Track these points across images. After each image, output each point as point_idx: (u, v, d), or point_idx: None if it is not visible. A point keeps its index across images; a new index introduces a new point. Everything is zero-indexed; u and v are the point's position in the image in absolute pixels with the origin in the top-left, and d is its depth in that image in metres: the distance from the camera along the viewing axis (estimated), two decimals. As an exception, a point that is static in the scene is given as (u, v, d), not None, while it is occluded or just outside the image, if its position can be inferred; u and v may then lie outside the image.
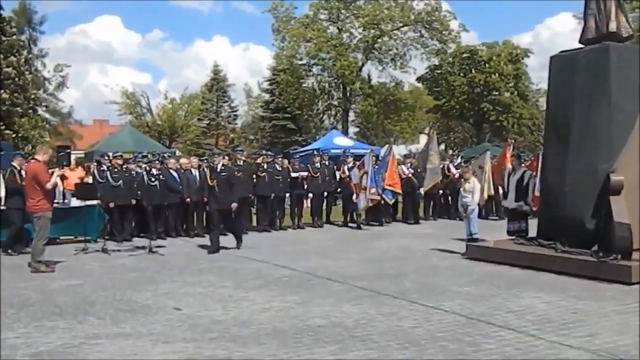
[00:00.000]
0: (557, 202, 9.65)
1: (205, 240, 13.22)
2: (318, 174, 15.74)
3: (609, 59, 9.17)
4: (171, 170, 13.76)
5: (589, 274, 8.26)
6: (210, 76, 48.39)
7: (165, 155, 15.50)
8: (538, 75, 54.68)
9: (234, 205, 11.64)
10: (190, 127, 47.32)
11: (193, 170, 14.12)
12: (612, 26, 9.47)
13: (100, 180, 12.95)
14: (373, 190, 14.84)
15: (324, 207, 16.51)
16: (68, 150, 11.23)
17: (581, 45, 9.92)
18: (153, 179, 13.20)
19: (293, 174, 15.40)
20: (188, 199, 13.66)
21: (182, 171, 13.98)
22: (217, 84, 47.82)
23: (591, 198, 8.95)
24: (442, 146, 44.55)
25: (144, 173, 13.34)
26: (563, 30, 68.79)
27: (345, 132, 35.20)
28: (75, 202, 12.70)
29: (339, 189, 16.65)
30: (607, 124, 9.06)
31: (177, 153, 36.18)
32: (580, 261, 8.57)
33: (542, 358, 5.10)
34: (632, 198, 8.49)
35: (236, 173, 12.63)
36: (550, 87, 10.49)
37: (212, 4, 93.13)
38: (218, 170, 11.76)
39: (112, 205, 12.83)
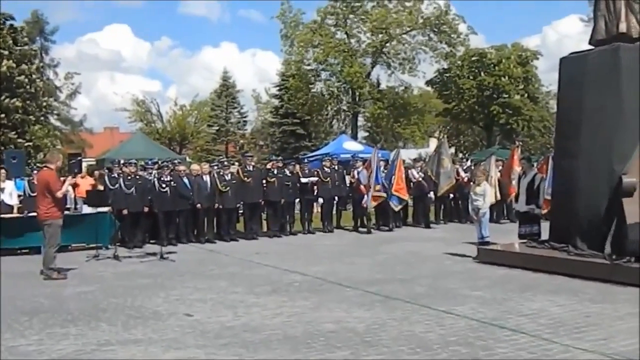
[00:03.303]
0: (569, 204, 9.57)
1: (216, 246, 13.30)
2: (328, 178, 15.72)
3: (620, 60, 9.10)
4: (182, 177, 13.82)
5: (602, 276, 8.19)
6: (219, 82, 48.70)
7: (176, 161, 15.54)
8: (547, 77, 54.52)
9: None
10: (200, 134, 47.54)
11: (204, 176, 14.16)
12: (622, 27, 9.41)
13: (112, 187, 13.01)
14: (378, 187, 14.78)
15: (334, 212, 16.48)
16: (79, 158, 11.29)
17: (591, 47, 9.86)
18: (164, 186, 13.25)
19: (303, 179, 15.40)
20: (199, 205, 13.69)
21: (193, 177, 14.03)
22: (227, 90, 48.06)
23: (603, 200, 8.87)
24: (452, 150, 44.33)
25: (155, 180, 13.40)
26: (571, 33, 68.43)
27: (354, 137, 35.15)
28: (86, 209, 12.77)
29: (349, 194, 16.62)
30: (618, 126, 8.99)
31: (188, 159, 36.29)
32: (593, 264, 8.50)
33: (556, 362, 5.05)
34: (645, 200, 8.39)
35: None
36: (560, 89, 10.43)
37: (220, 12, 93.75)
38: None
39: (125, 212, 12.89)
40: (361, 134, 44.44)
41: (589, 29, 10.25)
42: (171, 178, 13.51)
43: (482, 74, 38.11)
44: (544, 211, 11.25)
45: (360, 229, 15.76)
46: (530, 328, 6.03)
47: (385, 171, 15.78)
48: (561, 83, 10.26)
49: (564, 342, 5.54)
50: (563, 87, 10.23)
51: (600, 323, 6.17)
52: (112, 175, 13.40)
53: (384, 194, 14.98)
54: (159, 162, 15.15)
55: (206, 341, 5.84)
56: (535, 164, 14.46)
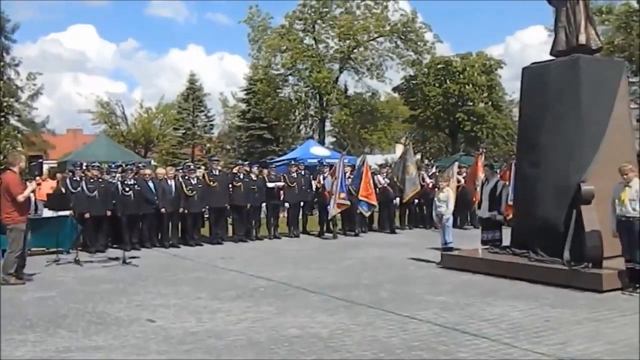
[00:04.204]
0: (530, 211, 9.77)
1: (181, 250, 13.16)
2: (294, 183, 15.73)
3: (579, 71, 9.35)
4: (146, 180, 13.64)
5: (561, 282, 8.37)
6: (186, 85, 48.19)
7: (140, 165, 15.34)
8: (510, 86, 55.69)
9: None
10: (166, 137, 46.91)
11: (169, 180, 14.00)
12: (582, 38, 9.67)
13: (73, 191, 12.76)
14: (342, 195, 14.88)
15: (300, 217, 16.49)
16: (40, 160, 11.06)
17: (552, 57, 10.11)
18: (127, 189, 13.08)
19: (269, 184, 15.37)
20: (163, 209, 13.53)
21: (158, 181, 13.86)
22: (193, 94, 47.60)
23: (563, 207, 9.08)
24: (418, 156, 44.80)
25: (119, 183, 13.22)
26: (533, 43, 70.14)
27: (321, 142, 35.21)
28: (47, 213, 12.50)
29: (315, 199, 16.64)
30: (578, 134, 9.23)
31: (153, 163, 35.86)
32: (552, 269, 8.68)
33: (516, 366, 5.15)
34: (602, 207, 8.60)
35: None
36: (522, 98, 10.68)
37: (187, 14, 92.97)
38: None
39: (87, 216, 12.67)
40: (329, 139, 44.55)
41: (551, 38, 10.49)
42: (135, 181, 13.34)
43: (448, 81, 38.61)
44: (508, 217, 11.45)
45: (326, 234, 15.79)
46: (491, 333, 6.14)
47: (351, 177, 15.89)
48: (523, 92, 10.50)
49: (523, 346, 5.65)
50: (525, 96, 10.47)
51: (559, 327, 6.32)
52: (74, 178, 13.15)
53: (348, 202, 15.08)
54: (123, 165, 14.95)
55: (169, 347, 5.78)
56: (498, 171, 14.75)
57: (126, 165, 14.61)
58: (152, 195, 13.46)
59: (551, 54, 10.17)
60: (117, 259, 11.37)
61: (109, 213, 13.01)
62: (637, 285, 7.96)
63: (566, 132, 9.35)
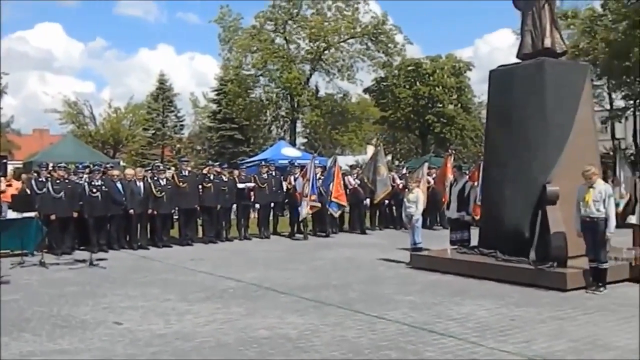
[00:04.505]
0: (496, 212, 9.92)
1: (149, 252, 13.02)
2: (265, 184, 15.68)
3: (545, 74, 9.53)
4: (114, 181, 13.46)
5: (527, 281, 8.52)
6: (155, 85, 47.68)
7: (108, 165, 15.12)
8: (479, 88, 56.48)
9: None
10: (135, 137, 46.34)
11: (137, 181, 13.83)
12: (547, 42, 9.86)
13: (39, 192, 12.51)
14: (314, 197, 14.91)
15: (271, 218, 16.46)
16: (4, 161, 10.82)
17: (518, 60, 10.28)
18: (95, 190, 12.89)
19: (239, 185, 15.30)
20: (131, 211, 13.37)
21: (126, 182, 13.69)
22: (163, 94, 47.12)
23: (529, 208, 9.24)
24: (389, 157, 45.17)
25: (86, 184, 13.01)
26: (501, 45, 71.25)
27: (293, 143, 35.21)
28: (11, 214, 12.22)
29: (286, 200, 16.62)
30: (543, 136, 9.41)
31: (122, 163, 35.36)
32: (518, 269, 8.83)
33: (481, 364, 5.23)
34: (567, 208, 8.78)
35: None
36: (489, 100, 10.84)
37: (157, 13, 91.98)
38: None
39: (53, 217, 12.44)
40: (300, 140, 44.62)
41: (518, 42, 10.67)
42: (103, 182, 13.15)
43: (418, 83, 38.98)
44: (476, 217, 11.59)
45: (297, 235, 15.78)
46: (458, 332, 6.22)
47: (322, 178, 15.92)
48: (490, 94, 10.66)
49: (489, 345, 5.73)
50: (492, 99, 10.63)
51: (524, 326, 6.42)
52: (40, 179, 12.89)
53: (319, 204, 15.11)
54: (91, 165, 14.72)
55: (136, 350, 5.72)
56: (467, 172, 14.93)
57: (93, 166, 14.38)
58: (120, 196, 13.28)
59: (518, 57, 10.35)
60: (84, 261, 11.20)
61: (75, 214, 12.80)
62: (600, 284, 8.15)
63: (531, 134, 9.52)
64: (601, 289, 8.09)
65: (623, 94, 28.30)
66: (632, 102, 28.80)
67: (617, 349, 5.51)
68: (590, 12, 27.50)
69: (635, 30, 21.87)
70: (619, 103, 31.24)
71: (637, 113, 31.24)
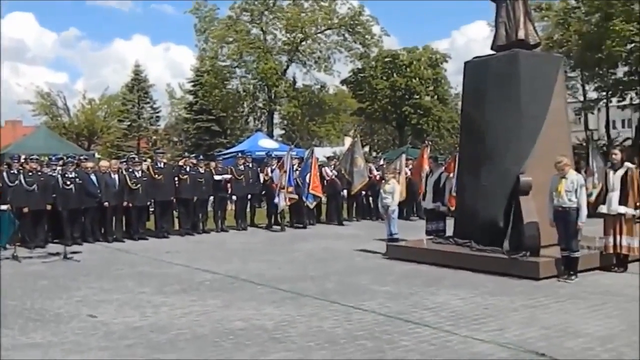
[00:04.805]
0: (471, 202, 10.04)
1: (125, 245, 12.91)
2: (242, 176, 15.63)
3: (518, 65, 9.63)
4: (89, 173, 13.30)
5: (501, 270, 8.64)
6: (130, 76, 47.01)
7: (82, 157, 14.92)
8: (455, 79, 56.88)
9: None
10: (110, 129, 45.69)
11: (112, 173, 13.68)
12: (521, 34, 9.96)
13: (11, 184, 12.30)
14: (291, 189, 14.92)
15: (248, 209, 16.42)
16: (-25, 153, 10.62)
17: (493, 52, 10.37)
18: (68, 183, 12.71)
19: (216, 177, 15.23)
20: (106, 203, 13.23)
21: (101, 174, 13.53)
22: (138, 85, 46.49)
23: (503, 198, 9.36)
24: (366, 148, 45.30)
25: (59, 176, 12.83)
26: (477, 37, 71.77)
27: (270, 134, 35.09)
28: (-18, 208, 12.00)
29: (263, 192, 16.59)
30: (516, 127, 9.52)
31: (97, 155, 34.91)
32: (492, 258, 8.95)
33: (455, 352, 5.29)
34: (540, 198, 8.92)
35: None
36: (464, 92, 10.93)
37: (132, 4, 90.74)
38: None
39: (25, 210, 12.25)
40: (277, 131, 44.42)
41: (493, 33, 10.75)
42: (76, 175, 12.98)
43: (395, 74, 39.06)
44: (452, 208, 11.68)
45: (274, 227, 15.78)
46: (433, 321, 6.29)
47: (299, 169, 15.92)
48: (465, 86, 10.75)
49: (463, 333, 5.81)
50: (467, 90, 10.72)
51: (497, 314, 6.52)
52: (12, 171, 12.67)
53: (296, 196, 15.12)
54: (64, 157, 14.51)
55: (110, 343, 5.68)
56: (443, 163, 15.04)
57: (67, 158, 14.18)
58: (95, 189, 13.12)
59: (492, 48, 10.44)
60: (57, 254, 11.06)
61: (49, 207, 12.62)
62: (572, 273, 8.30)
63: (505, 125, 9.62)
64: (573, 277, 8.24)
65: (596, 85, 28.70)
66: (604, 93, 29.23)
67: (587, 336, 5.62)
68: (564, 4, 27.77)
69: (608, 23, 22.16)
70: (592, 94, 31.69)
71: (610, 104, 31.76)
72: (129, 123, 45.84)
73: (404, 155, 17.22)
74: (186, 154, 18.47)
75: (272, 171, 15.85)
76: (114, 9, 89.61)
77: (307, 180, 15.41)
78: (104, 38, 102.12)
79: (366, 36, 36.64)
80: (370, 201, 17.73)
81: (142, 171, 14.03)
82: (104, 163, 14.84)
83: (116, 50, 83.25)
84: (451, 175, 12.13)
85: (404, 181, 15.89)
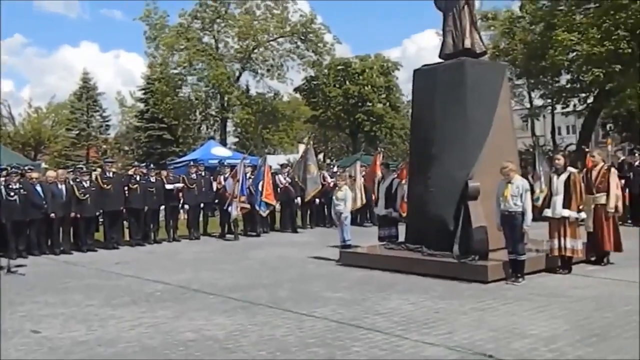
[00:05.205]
0: (422, 208, 10.17)
1: (72, 257, 12.56)
2: (194, 185, 15.45)
3: (465, 74, 9.85)
4: (34, 184, 12.91)
5: (451, 274, 8.76)
6: (79, 84, 45.99)
7: (26, 167, 14.47)
8: (407, 87, 57.64)
9: None
10: (58, 138, 44.65)
11: (59, 183, 13.31)
12: (467, 42, 10.19)
13: (-50, 196, 11.84)
14: (243, 198, 14.86)
15: (201, 218, 16.24)
16: None
17: (441, 60, 10.58)
18: (12, 194, 12.31)
19: (167, 186, 15.01)
20: (53, 214, 12.86)
21: (47, 184, 13.16)
22: (87, 93, 45.51)
23: (452, 204, 9.52)
24: (321, 156, 45.45)
25: (2, 187, 12.40)
26: (428, 46, 73.13)
27: (223, 142, 34.84)
28: None
29: (216, 200, 16.44)
30: (464, 134, 9.71)
31: (44, 165, 33.93)
32: (443, 263, 9.08)
33: (406, 357, 5.34)
34: (487, 203, 9.11)
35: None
36: (413, 99, 11.11)
37: (80, 10, 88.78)
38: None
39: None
40: (231, 139, 44.12)
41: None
42: (21, 185, 12.58)
43: (348, 82, 39.47)
44: (404, 213, 11.82)
45: (228, 236, 15.64)
46: (384, 326, 6.33)
47: (252, 177, 15.84)
48: (414, 93, 10.92)
49: (413, 337, 5.88)
50: (416, 98, 10.89)
51: (447, 318, 6.62)
52: (-49, 183, 12.20)
53: (248, 205, 15.05)
54: (8, 168, 14.04)
55: (54, 358, 5.51)
56: (396, 169, 15.23)
57: (11, 168, 13.72)
58: (40, 200, 12.75)
59: (440, 56, 10.65)
60: (1, 268, 10.66)
61: (-9, 220, 12.20)
62: (519, 275, 8.50)
63: (453, 132, 9.81)
64: (520, 279, 8.44)
65: (541, 92, 29.62)
66: (549, 100, 30.19)
67: (532, 337, 5.77)
68: (509, 14, 28.61)
69: (551, 32, 22.91)
70: (538, 102, 32.70)
71: (555, 111, 32.82)
72: (77, 132, 44.78)
73: (358, 162, 17.40)
74: (136, 162, 18.08)
75: (225, 180, 15.73)
76: (61, 15, 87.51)
77: (260, 188, 15.35)
78: (51, 45, 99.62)
79: (318, 44, 36.82)
80: (325, 208, 17.77)
81: (91, 181, 13.72)
82: (50, 173, 14.43)
83: (63, 57, 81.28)
84: (403, 181, 12.31)
85: (361, 187, 16.05)
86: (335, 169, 19.04)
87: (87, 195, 13.28)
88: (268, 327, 6.43)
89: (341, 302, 7.58)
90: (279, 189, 16.55)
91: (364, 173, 17.53)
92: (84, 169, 14.41)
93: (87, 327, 6.61)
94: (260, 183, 15.37)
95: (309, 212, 17.92)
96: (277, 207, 16.89)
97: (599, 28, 21.16)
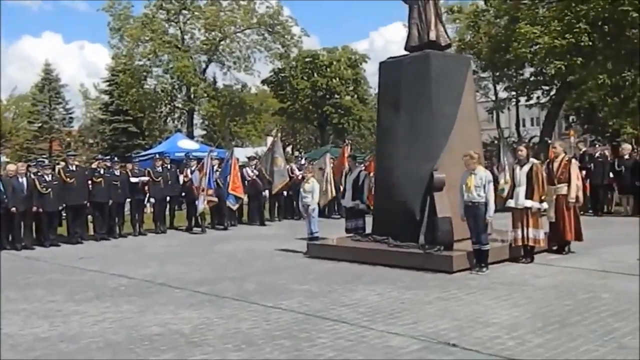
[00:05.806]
0: (388, 199, 10.24)
1: (34, 252, 12.31)
2: (160, 178, 15.27)
3: (430, 66, 9.92)
4: (-7, 178, 12.60)
5: (417, 265, 8.86)
6: (41, 76, 44.96)
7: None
8: (374, 80, 57.80)
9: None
10: (19, 131, 43.65)
11: (20, 177, 13.01)
12: (432, 35, 10.26)
13: None
14: (210, 191, 14.75)
15: (167, 212, 16.06)
16: None
17: (406, 52, 10.64)
18: (-30, 189, 12.00)
19: (133, 179, 14.81)
20: (13, 209, 12.56)
21: (7, 178, 12.85)
22: (49, 84, 44.56)
23: (418, 195, 9.61)
24: (289, 148, 45.39)
25: (-40, 182, 12.09)
26: (395, 39, 73.42)
27: (190, 135, 34.47)
28: None
29: (182, 193, 16.28)
30: (429, 125, 9.80)
31: (4, 159, 33.21)
32: (409, 254, 9.17)
33: (371, 347, 5.39)
34: (453, 194, 9.22)
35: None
36: (379, 91, 11.14)
37: (41, 2, 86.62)
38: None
39: None
40: (198, 132, 43.70)
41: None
42: (-21, 180, 12.26)
43: (315, 74, 39.38)
44: (372, 205, 11.88)
45: (195, 229, 15.51)
46: (350, 317, 6.37)
47: (219, 170, 15.73)
48: (380, 85, 10.96)
49: (379, 327, 5.93)
50: (382, 90, 10.93)
51: (412, 308, 6.70)
52: None
53: (216, 199, 14.94)
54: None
55: (16, 355, 5.41)
56: (363, 161, 15.31)
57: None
58: (0, 194, 12.44)
59: (405, 49, 10.70)
60: (-41, 264, 10.41)
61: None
62: (483, 265, 8.64)
63: (419, 123, 9.89)
64: (484, 269, 8.58)
65: (505, 85, 30.04)
66: (513, 93, 30.65)
67: (495, 325, 5.87)
68: (474, 7, 28.90)
69: (514, 25, 23.23)
70: (503, 94, 33.17)
71: (519, 104, 33.33)
72: (39, 124, 43.86)
73: (328, 155, 17.41)
74: (99, 155, 17.79)
75: (191, 172, 15.59)
76: (21, 5, 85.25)
77: (228, 181, 15.25)
78: (11, 35, 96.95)
79: (286, 36, 36.63)
80: (293, 201, 17.75)
81: (53, 175, 13.45)
82: (10, 167, 14.08)
83: (24, 48, 79.30)
84: (371, 174, 12.37)
85: (331, 180, 16.06)
86: (303, 162, 19.03)
87: (50, 189, 13.02)
88: (234, 320, 6.41)
89: (308, 294, 7.60)
90: (246, 182, 16.46)
91: (331, 165, 17.58)
92: (46, 163, 14.08)
93: (49, 323, 6.50)
94: (228, 176, 15.28)
95: (276, 204, 17.89)
96: (245, 200, 16.82)
97: (560, 21, 21.52)
